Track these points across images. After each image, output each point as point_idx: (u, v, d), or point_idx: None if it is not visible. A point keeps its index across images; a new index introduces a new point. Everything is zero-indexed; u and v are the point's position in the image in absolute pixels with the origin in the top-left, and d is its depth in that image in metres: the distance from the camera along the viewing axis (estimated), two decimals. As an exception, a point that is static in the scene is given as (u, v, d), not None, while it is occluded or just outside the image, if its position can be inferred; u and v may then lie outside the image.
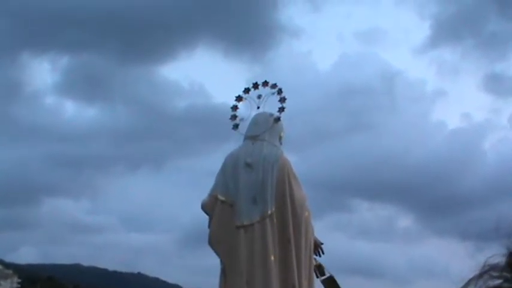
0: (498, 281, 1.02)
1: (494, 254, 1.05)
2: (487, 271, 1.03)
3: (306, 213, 6.50)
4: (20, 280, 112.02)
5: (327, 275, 6.78)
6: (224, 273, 6.32)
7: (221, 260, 6.36)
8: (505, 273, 1.02)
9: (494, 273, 1.03)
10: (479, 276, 1.03)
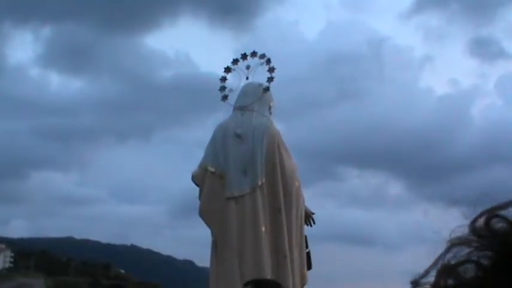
0: (466, 251, 1.02)
1: (457, 227, 1.05)
2: (453, 245, 1.03)
3: (297, 184, 6.51)
4: (12, 254, 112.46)
5: (307, 249, 6.79)
6: (215, 244, 6.34)
7: (212, 232, 6.38)
8: (471, 243, 1.02)
9: (461, 246, 1.02)
10: (446, 251, 1.03)
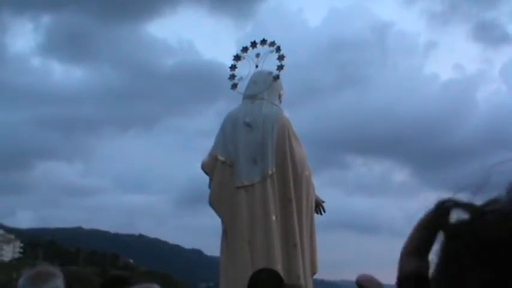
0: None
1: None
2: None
3: (307, 172, 6.47)
4: (22, 245, 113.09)
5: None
6: (225, 233, 6.32)
7: (222, 221, 6.36)
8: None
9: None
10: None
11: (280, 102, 6.72)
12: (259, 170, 6.27)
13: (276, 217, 6.21)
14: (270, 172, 6.25)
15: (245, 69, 6.83)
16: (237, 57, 6.90)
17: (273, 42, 6.80)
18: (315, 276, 6.73)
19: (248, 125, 6.40)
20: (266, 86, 6.63)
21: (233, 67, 6.88)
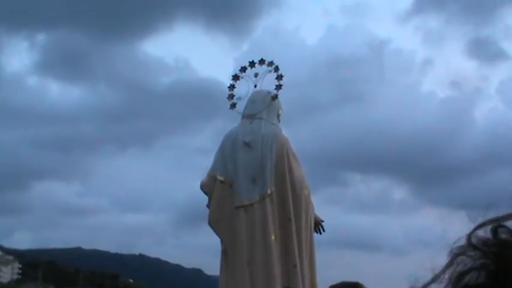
0: (468, 263, 1.00)
1: (458, 238, 1.03)
2: (454, 258, 1.01)
3: (306, 192, 6.47)
4: (20, 266, 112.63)
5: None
6: (225, 253, 6.31)
7: (222, 240, 6.35)
8: (469, 253, 0.99)
9: (462, 257, 1.00)
10: (449, 264, 1.01)
11: (279, 121, 6.74)
12: (258, 190, 6.27)
13: (276, 237, 6.19)
14: (268, 191, 6.24)
15: (244, 89, 6.87)
16: (235, 77, 6.94)
17: (272, 62, 6.84)
18: (315, 296, 6.69)
19: (247, 144, 6.42)
20: (265, 105, 6.65)
21: (232, 87, 6.91)
